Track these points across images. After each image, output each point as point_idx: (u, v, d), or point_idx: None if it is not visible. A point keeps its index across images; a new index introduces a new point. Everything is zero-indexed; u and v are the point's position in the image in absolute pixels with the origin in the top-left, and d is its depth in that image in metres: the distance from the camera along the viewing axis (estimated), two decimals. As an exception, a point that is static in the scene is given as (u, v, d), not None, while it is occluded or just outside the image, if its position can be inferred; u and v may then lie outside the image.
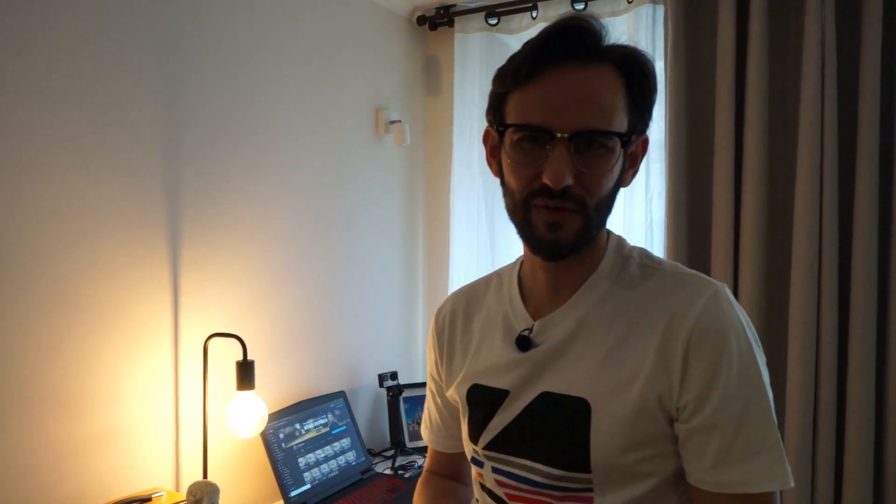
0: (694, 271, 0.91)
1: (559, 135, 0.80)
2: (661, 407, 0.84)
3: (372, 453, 2.22)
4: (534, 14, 2.29)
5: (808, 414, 1.82)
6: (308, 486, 1.85)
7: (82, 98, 1.45)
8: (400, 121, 2.39)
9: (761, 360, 0.85)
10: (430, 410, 1.16)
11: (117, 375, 1.53)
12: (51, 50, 1.39)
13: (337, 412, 2.08)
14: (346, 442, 2.05)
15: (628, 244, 0.96)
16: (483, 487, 0.99)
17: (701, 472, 0.83)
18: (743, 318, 0.86)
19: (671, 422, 0.85)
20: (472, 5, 2.42)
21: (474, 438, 0.97)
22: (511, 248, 2.44)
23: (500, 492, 0.96)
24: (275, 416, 1.85)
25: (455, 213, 2.50)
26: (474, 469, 1.00)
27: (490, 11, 2.36)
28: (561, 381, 0.89)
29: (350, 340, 2.27)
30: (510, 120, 0.85)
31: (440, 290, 2.60)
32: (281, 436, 1.85)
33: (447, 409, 1.11)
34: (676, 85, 1.98)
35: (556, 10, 2.25)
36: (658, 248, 2.10)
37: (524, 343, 0.93)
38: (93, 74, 1.47)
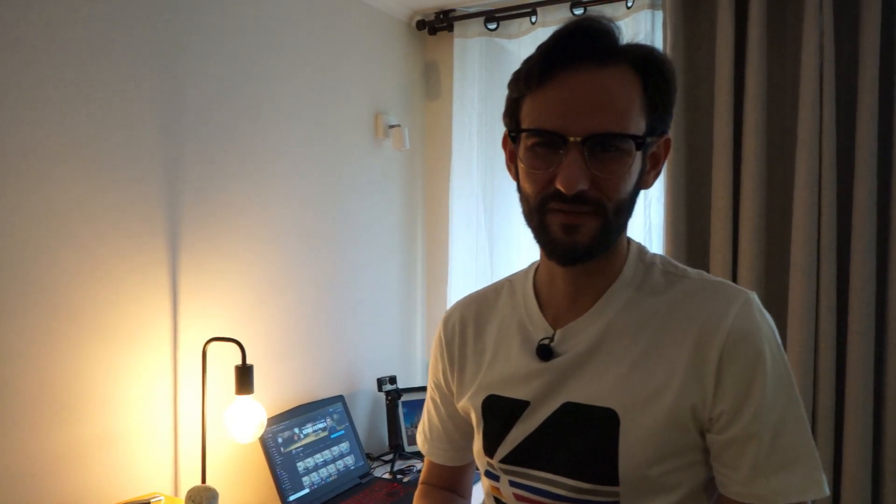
0: (721, 279, 0.89)
1: (572, 139, 0.78)
2: (693, 417, 0.82)
3: (370, 457, 2.22)
4: (533, 19, 2.30)
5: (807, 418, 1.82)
6: (307, 491, 1.84)
7: (84, 106, 1.45)
8: (399, 125, 2.40)
9: (790, 366, 0.85)
10: (430, 420, 1.11)
11: (116, 379, 1.53)
12: (52, 58, 1.39)
13: (336, 416, 2.07)
14: (344, 446, 2.04)
15: (649, 251, 0.94)
16: (498, 502, 0.95)
17: (737, 484, 0.81)
18: (772, 325, 0.85)
19: (702, 432, 0.83)
20: (472, 10, 2.42)
21: (490, 451, 0.93)
22: (510, 252, 2.44)
23: None
24: (274, 421, 1.85)
25: (454, 218, 2.51)
26: (488, 483, 0.97)
27: (489, 16, 2.37)
28: (586, 391, 0.86)
29: (349, 345, 2.27)
30: (524, 125, 0.83)
31: (439, 294, 2.60)
32: (280, 440, 1.85)
33: (452, 419, 1.07)
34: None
35: (554, 16, 2.25)
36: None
37: (545, 352, 0.89)
38: (94, 82, 1.47)
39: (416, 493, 1.11)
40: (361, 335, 2.32)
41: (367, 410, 2.36)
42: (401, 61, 2.50)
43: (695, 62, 2.02)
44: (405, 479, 2.06)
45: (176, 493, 1.66)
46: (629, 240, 0.93)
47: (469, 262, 2.51)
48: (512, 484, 0.92)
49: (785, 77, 1.93)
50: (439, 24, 2.50)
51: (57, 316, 1.41)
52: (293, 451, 1.87)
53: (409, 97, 2.55)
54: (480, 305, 1.03)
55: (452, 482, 1.12)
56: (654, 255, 0.93)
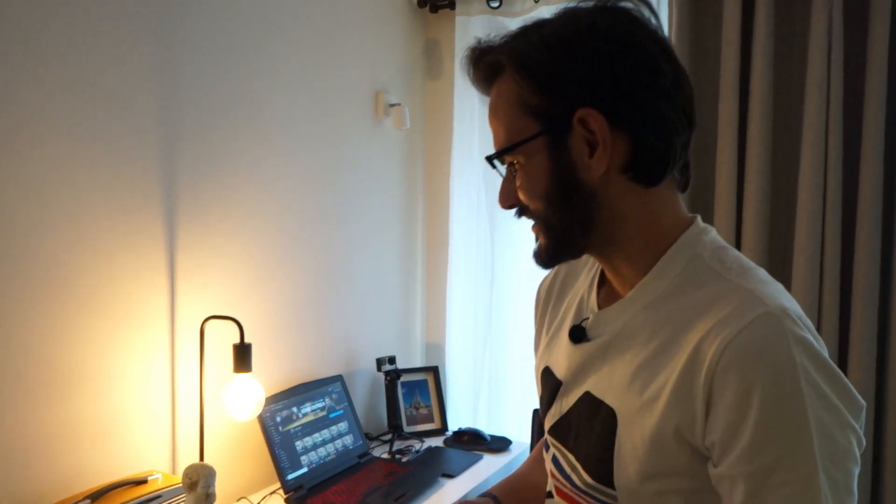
0: (764, 283, 0.75)
1: (492, 164, 0.84)
2: (678, 440, 0.72)
3: (369, 437, 2.22)
4: (537, -3, 2.26)
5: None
6: (305, 470, 1.84)
7: (77, 81, 1.43)
8: (399, 104, 2.37)
9: (829, 413, 0.67)
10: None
11: (113, 358, 1.52)
12: (44, 31, 1.37)
13: (334, 396, 2.07)
14: (343, 426, 2.04)
15: (709, 239, 0.81)
16: (550, 471, 0.95)
17: None
18: (804, 353, 0.67)
19: (705, 458, 0.73)
20: (474, -13, 2.39)
21: (544, 419, 0.94)
22: (511, 233, 2.43)
23: (551, 484, 0.93)
24: (272, 400, 1.84)
25: (454, 198, 2.48)
26: (545, 452, 0.98)
27: (492, -7, 2.33)
28: (600, 384, 0.82)
29: (348, 324, 2.26)
30: None
31: (439, 274, 2.59)
32: (278, 419, 1.84)
33: None
34: (680, 70, 1.96)
35: (559, -7, 2.22)
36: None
37: (578, 334, 0.87)
38: (87, 55, 1.44)
39: (539, 443, 1.13)
40: (361, 315, 2.31)
41: (366, 390, 2.35)
42: (402, 39, 2.47)
43: (700, 43, 1.99)
44: (404, 460, 2.06)
45: (174, 471, 1.66)
46: (692, 222, 0.82)
47: (469, 242, 2.49)
48: (552, 459, 0.92)
49: (792, 57, 1.90)
50: (441, 2, 2.46)
51: (52, 294, 1.40)
52: (292, 431, 1.87)
53: (410, 76, 2.52)
54: (570, 269, 1.01)
55: None
56: (711, 245, 0.80)
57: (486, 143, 2.43)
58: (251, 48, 1.84)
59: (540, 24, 0.79)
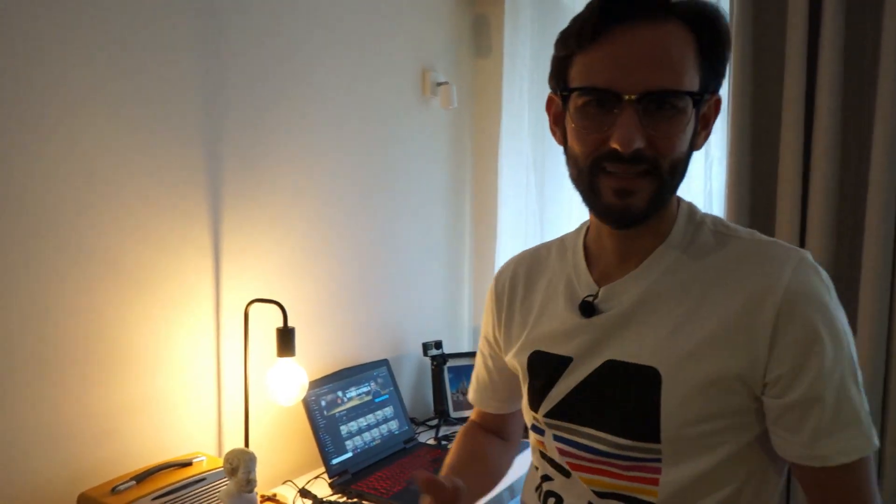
0: (773, 238, 0.87)
1: (627, 97, 0.77)
2: (740, 379, 0.80)
3: (415, 422, 2.19)
4: (590, -32, 2.16)
5: (877, 400, 1.71)
6: (350, 455, 1.83)
7: (127, 64, 1.42)
8: (447, 82, 2.31)
9: (846, 324, 0.83)
10: (478, 371, 1.16)
11: (159, 340, 1.52)
12: (95, 19, 1.36)
13: (380, 380, 2.05)
14: (388, 411, 2.02)
15: (700, 211, 0.92)
16: (543, 456, 0.98)
17: (798, 446, 0.80)
18: (828, 284, 0.83)
19: (755, 396, 0.82)
20: (525, -40, 2.30)
21: (535, 406, 0.96)
22: (561, 215, 2.36)
23: (562, 461, 0.94)
24: (317, 384, 1.83)
25: (503, 179, 2.42)
26: (534, 437, 0.99)
27: (543, -34, 2.25)
28: (628, 349, 0.86)
29: (394, 308, 2.23)
30: (574, 84, 0.82)
31: (487, 257, 2.54)
32: (323, 403, 1.83)
33: (499, 372, 1.11)
34: (743, 41, 1.84)
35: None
36: (717, 218, 1.98)
37: (588, 309, 0.91)
38: (136, 39, 1.43)
39: (461, 429, 1.19)
40: (407, 298, 2.28)
41: (413, 375, 2.33)
42: (449, 15, 2.40)
43: (764, 10, 1.86)
44: (450, 446, 2.02)
45: (219, 453, 1.66)
46: (680, 200, 0.92)
47: (518, 225, 2.43)
48: (556, 438, 0.94)
49: (865, 24, 1.75)
50: (490, -24, 2.39)
51: (100, 275, 1.40)
52: (336, 415, 1.86)
53: (458, 53, 2.46)
54: (532, 262, 1.05)
55: (496, 427, 1.18)
56: (706, 214, 0.92)
57: (536, 123, 2.35)
58: (296, 22, 1.81)
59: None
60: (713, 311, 0.82)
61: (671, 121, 0.79)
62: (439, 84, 2.31)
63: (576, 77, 0.82)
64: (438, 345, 2.30)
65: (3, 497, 1.28)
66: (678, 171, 0.83)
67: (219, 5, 1.61)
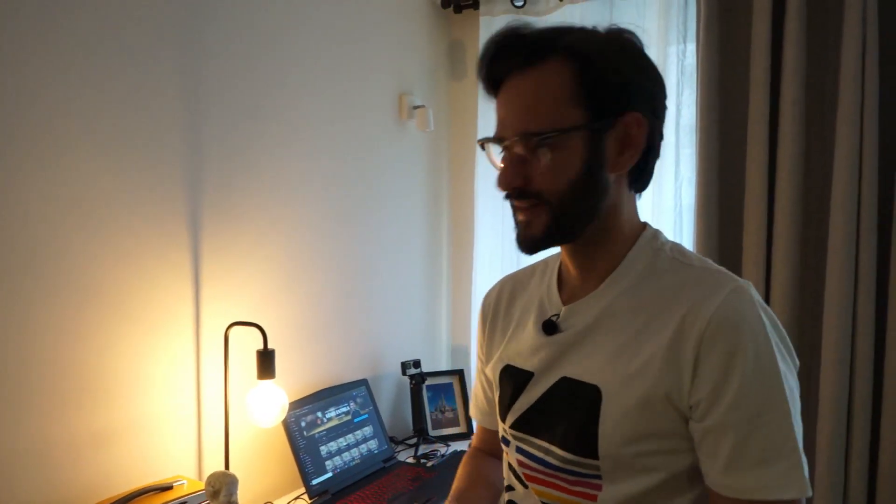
0: (721, 268, 0.91)
1: (505, 143, 0.89)
2: (668, 402, 0.83)
3: (394, 441, 2.21)
4: (560, -5, 2.23)
5: (843, 409, 1.76)
6: (330, 475, 1.84)
7: (101, 84, 1.44)
8: (424, 106, 2.36)
9: (785, 364, 0.83)
10: (476, 389, 1.23)
11: (139, 364, 1.53)
12: (68, 35, 1.38)
13: (359, 400, 2.06)
14: (368, 430, 2.04)
15: (664, 238, 0.96)
16: (509, 467, 1.03)
17: (715, 473, 0.83)
18: (767, 318, 0.84)
19: (685, 419, 0.85)
20: (498, -13, 2.36)
21: (503, 417, 1.02)
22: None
23: (521, 472, 0.99)
24: (297, 405, 1.84)
25: (479, 200, 2.47)
26: (504, 448, 1.05)
27: (516, -7, 2.30)
28: (579, 368, 0.91)
29: (373, 328, 2.25)
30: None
31: (464, 277, 2.57)
32: (303, 424, 1.84)
33: (490, 386, 1.16)
34: (709, 66, 1.91)
35: (583, -9, 2.18)
36: (688, 236, 2.04)
37: (550, 327, 0.96)
38: (112, 60, 1.45)
39: (465, 455, 1.26)
40: (385, 319, 2.31)
41: (392, 394, 2.34)
42: (425, 40, 2.45)
43: (730, 36, 1.93)
44: (429, 464, 2.04)
45: (200, 476, 1.66)
46: (645, 225, 0.96)
47: (495, 244, 2.47)
48: (518, 450, 0.99)
49: (826, 47, 1.82)
50: (465, 2, 2.44)
51: (78, 300, 1.41)
52: (316, 435, 1.87)
53: (434, 77, 2.51)
54: (516, 282, 1.12)
55: (495, 446, 1.19)
56: (667, 242, 0.96)
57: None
58: (275, 50, 1.84)
59: (589, 29, 0.89)
60: (654, 335, 0.86)
61: (551, 157, 0.86)
62: (416, 107, 2.35)
63: None
64: (417, 364, 2.32)
65: (-18, 524, 1.28)
66: (573, 199, 0.87)
67: (199, 35, 1.64)
